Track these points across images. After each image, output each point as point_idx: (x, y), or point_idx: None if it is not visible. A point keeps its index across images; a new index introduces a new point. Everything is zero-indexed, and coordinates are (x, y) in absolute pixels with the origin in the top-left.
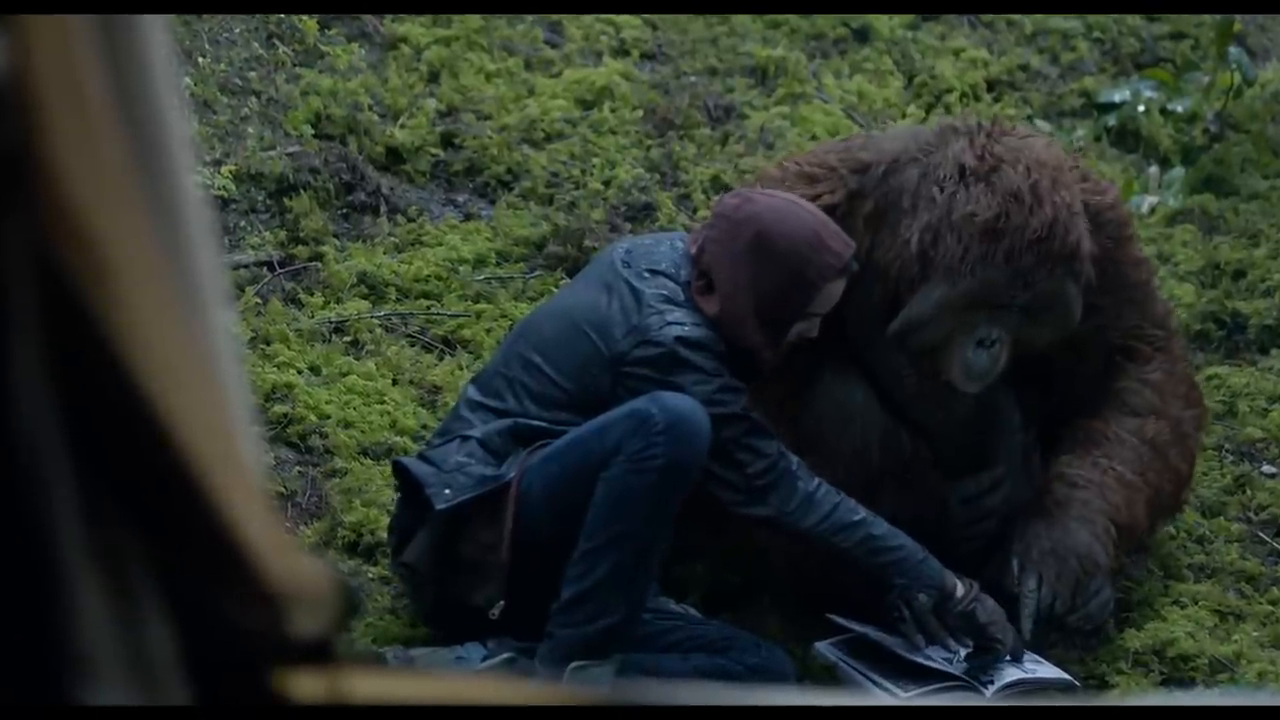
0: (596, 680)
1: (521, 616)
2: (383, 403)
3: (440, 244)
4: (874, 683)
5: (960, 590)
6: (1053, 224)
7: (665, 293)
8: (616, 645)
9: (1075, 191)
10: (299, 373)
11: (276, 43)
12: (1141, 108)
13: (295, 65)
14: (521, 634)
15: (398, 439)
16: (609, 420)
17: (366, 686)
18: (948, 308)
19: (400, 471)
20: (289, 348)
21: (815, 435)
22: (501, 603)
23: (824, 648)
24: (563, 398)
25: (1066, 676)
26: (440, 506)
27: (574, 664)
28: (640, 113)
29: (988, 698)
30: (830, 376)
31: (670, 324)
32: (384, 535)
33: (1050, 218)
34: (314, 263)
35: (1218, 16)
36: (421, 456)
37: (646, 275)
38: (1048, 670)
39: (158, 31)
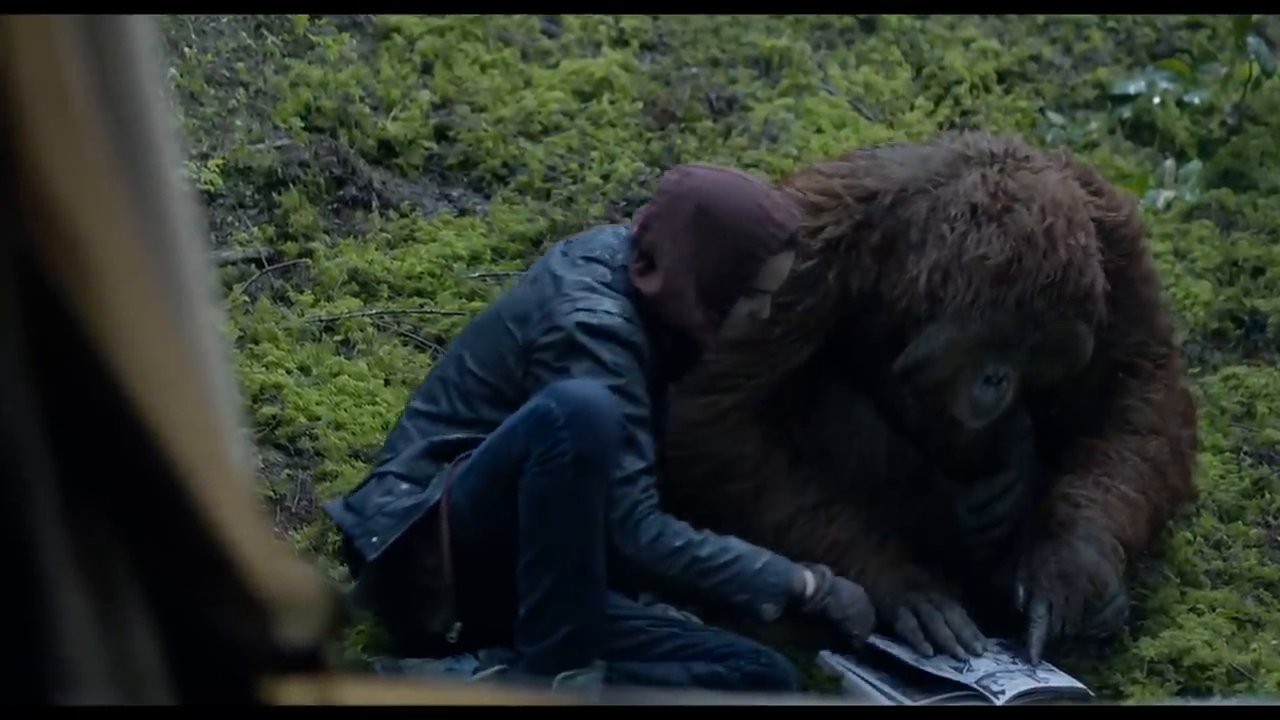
0: (585, 688)
1: (486, 630)
2: (374, 404)
3: (434, 240)
4: (882, 692)
5: (811, 586)
6: (1066, 267)
7: (589, 279)
8: (589, 650)
9: (1090, 230)
10: (288, 373)
11: (265, 33)
12: (1157, 99)
13: (284, 56)
14: (507, 644)
15: None
16: (513, 422)
17: (356, 696)
18: (955, 349)
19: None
20: (278, 347)
21: (822, 447)
22: (458, 624)
23: (829, 657)
24: (485, 392)
25: (1080, 686)
26: (371, 557)
27: (560, 676)
28: (640, 105)
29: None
30: (836, 393)
31: (578, 310)
32: None
33: (1064, 261)
34: (304, 259)
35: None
36: (346, 504)
37: (579, 263)
38: (1060, 680)
39: (142, 25)
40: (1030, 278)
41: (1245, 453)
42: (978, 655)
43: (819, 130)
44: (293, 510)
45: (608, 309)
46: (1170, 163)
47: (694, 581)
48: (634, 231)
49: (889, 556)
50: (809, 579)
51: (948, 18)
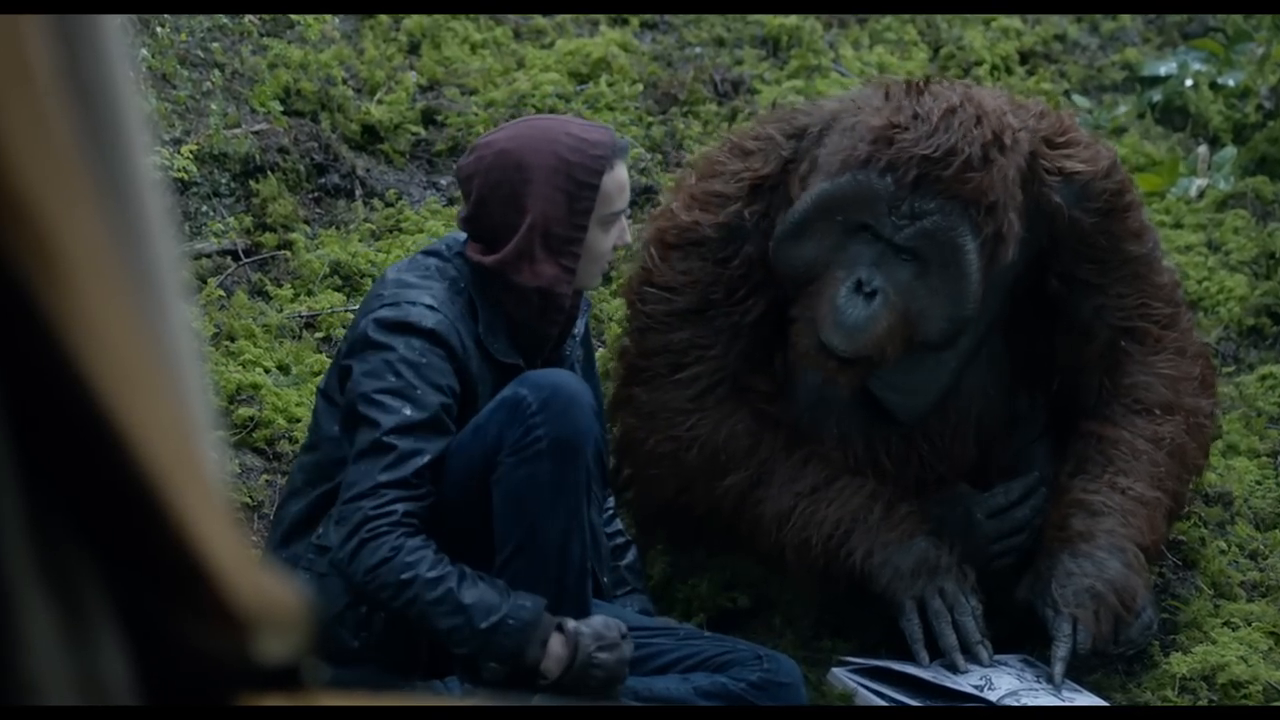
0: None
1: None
2: None
3: (420, 231)
4: (896, 703)
5: (557, 657)
6: (952, 151)
7: (410, 275)
8: None
9: (1013, 145)
10: (266, 372)
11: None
12: (1189, 82)
13: (262, 35)
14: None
15: None
16: (481, 418)
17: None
18: (823, 211)
19: None
20: (255, 344)
21: (802, 427)
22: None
23: (841, 673)
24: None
25: (1107, 705)
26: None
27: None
28: (640, 87)
29: None
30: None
31: (383, 307)
32: None
33: (951, 145)
34: (283, 251)
35: None
36: None
37: (416, 259)
38: (1086, 699)
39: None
40: (909, 146)
41: None
42: (983, 665)
43: None
44: (271, 518)
45: (412, 300)
46: (1203, 149)
47: (416, 620)
48: (462, 226)
49: (896, 533)
50: (555, 649)
51: None
